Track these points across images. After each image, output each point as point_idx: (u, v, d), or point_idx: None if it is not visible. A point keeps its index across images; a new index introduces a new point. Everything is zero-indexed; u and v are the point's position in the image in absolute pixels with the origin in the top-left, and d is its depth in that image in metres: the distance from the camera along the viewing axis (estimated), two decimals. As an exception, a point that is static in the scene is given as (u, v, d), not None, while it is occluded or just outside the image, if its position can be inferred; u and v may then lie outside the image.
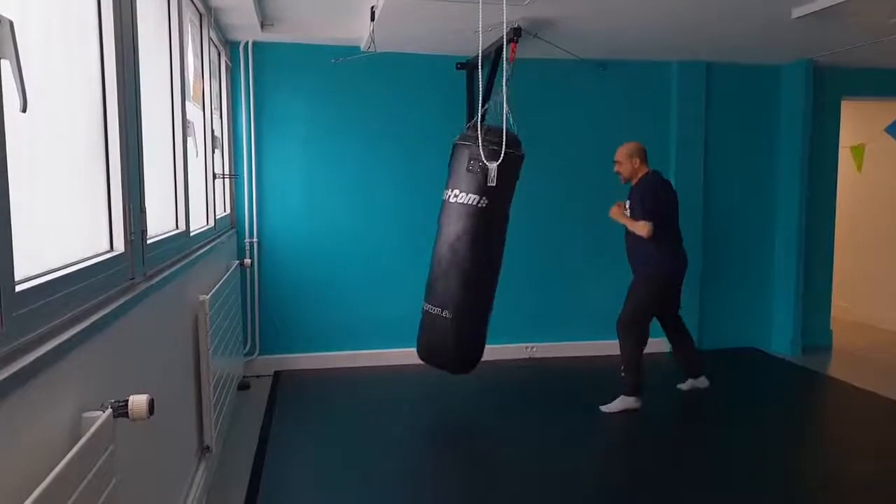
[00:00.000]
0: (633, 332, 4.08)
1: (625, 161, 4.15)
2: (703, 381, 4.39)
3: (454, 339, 3.83)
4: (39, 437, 1.27)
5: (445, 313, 3.81)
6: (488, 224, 3.77)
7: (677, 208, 4.19)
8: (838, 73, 5.51)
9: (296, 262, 4.93)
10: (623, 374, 4.08)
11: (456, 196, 3.80)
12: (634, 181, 4.16)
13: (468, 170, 3.74)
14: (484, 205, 3.72)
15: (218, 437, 3.25)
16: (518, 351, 5.27)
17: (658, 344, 4.66)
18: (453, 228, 3.80)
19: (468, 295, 3.80)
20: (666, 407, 4.27)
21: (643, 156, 4.16)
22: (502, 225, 3.88)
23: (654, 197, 4.04)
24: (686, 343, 4.38)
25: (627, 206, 4.13)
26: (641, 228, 3.99)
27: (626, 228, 4.13)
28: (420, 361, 4.27)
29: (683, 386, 4.45)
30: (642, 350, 4.09)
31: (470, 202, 3.74)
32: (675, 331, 4.37)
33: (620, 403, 4.06)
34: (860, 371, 4.96)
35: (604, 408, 4.08)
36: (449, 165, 3.90)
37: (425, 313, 3.94)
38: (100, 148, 1.90)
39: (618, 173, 4.21)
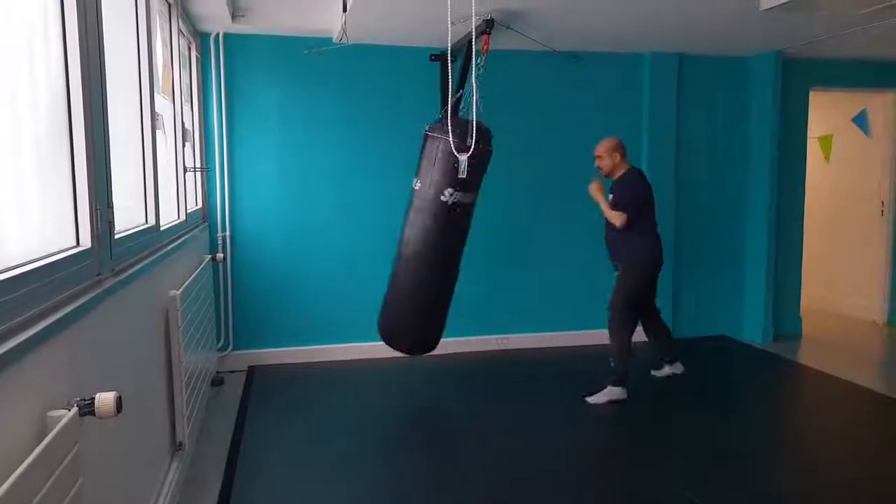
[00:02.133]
0: (624, 319, 4.15)
1: (606, 156, 4.20)
2: (678, 367, 4.48)
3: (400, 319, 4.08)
4: (2, 436, 1.25)
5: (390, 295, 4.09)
6: (449, 214, 3.84)
7: (654, 201, 4.26)
8: (806, 65, 5.59)
9: (269, 255, 4.88)
10: (613, 364, 4.13)
11: (419, 186, 3.89)
12: (615, 176, 4.23)
13: (436, 160, 3.77)
14: (450, 196, 3.79)
15: (191, 433, 3.21)
16: (490, 343, 5.27)
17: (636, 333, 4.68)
18: (414, 217, 3.93)
19: (422, 280, 3.97)
20: (639, 396, 4.31)
21: (623, 151, 4.22)
22: (464, 215, 3.93)
23: (636, 193, 4.14)
24: (662, 331, 4.47)
25: (610, 199, 4.18)
26: (617, 218, 4.07)
27: (608, 226, 4.20)
28: (394, 354, 4.31)
29: (659, 373, 4.53)
30: (631, 339, 4.17)
31: (433, 193, 3.81)
32: (652, 320, 4.44)
33: (608, 394, 4.10)
34: (830, 358, 5.06)
35: (590, 399, 4.11)
36: (419, 155, 3.93)
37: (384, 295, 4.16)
38: (64, 140, 1.86)
39: (598, 168, 4.26)
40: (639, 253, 4.17)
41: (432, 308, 4.08)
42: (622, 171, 4.21)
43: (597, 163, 4.26)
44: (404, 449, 3.56)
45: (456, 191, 3.77)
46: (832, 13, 4.05)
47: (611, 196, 4.19)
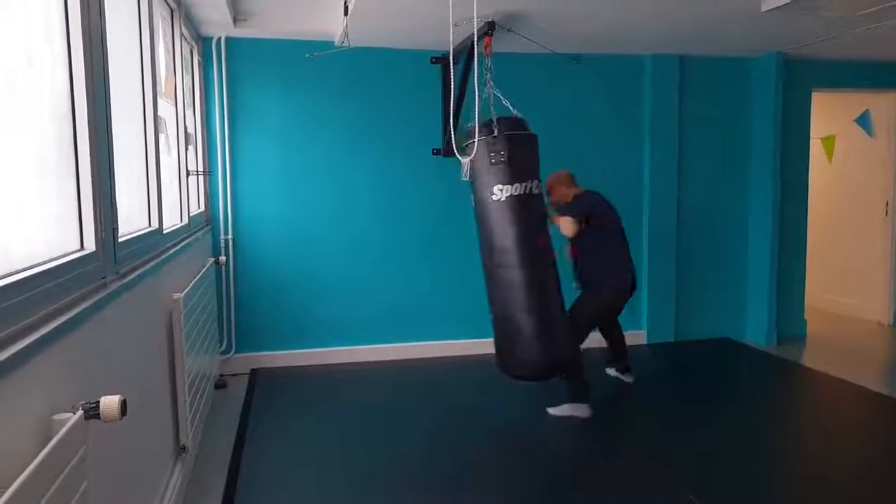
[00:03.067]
0: (576, 335, 3.92)
1: (556, 190, 4.11)
2: (629, 377, 4.48)
3: (513, 341, 3.67)
4: (8, 440, 1.25)
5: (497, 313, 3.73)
6: (522, 212, 3.62)
7: (620, 225, 4.12)
8: (808, 66, 5.58)
9: (272, 258, 4.89)
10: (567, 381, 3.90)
11: (493, 193, 3.64)
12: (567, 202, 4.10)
13: (491, 163, 3.59)
14: (501, 193, 3.59)
15: (194, 436, 3.22)
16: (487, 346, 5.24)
17: (638, 336, 4.69)
18: (489, 226, 3.68)
19: (517, 292, 3.62)
20: (642, 398, 4.31)
21: (570, 180, 4.14)
22: (532, 210, 3.68)
23: (583, 203, 4.01)
24: (618, 337, 4.47)
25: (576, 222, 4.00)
26: (566, 225, 3.92)
27: (573, 248, 4.10)
28: (395, 358, 4.25)
29: (610, 371, 4.58)
30: (581, 355, 3.93)
31: (508, 194, 3.60)
32: (611, 328, 4.45)
33: (570, 409, 3.89)
34: (834, 360, 5.04)
35: (552, 410, 3.93)
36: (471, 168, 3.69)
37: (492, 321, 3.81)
38: (69, 145, 1.87)
39: (552, 204, 4.10)
40: (600, 282, 4.04)
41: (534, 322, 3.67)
42: (573, 195, 4.09)
43: (549, 199, 4.10)
44: (407, 452, 3.56)
45: (504, 184, 3.59)
46: (834, 13, 4.05)
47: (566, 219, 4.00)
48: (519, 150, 3.62)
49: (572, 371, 3.85)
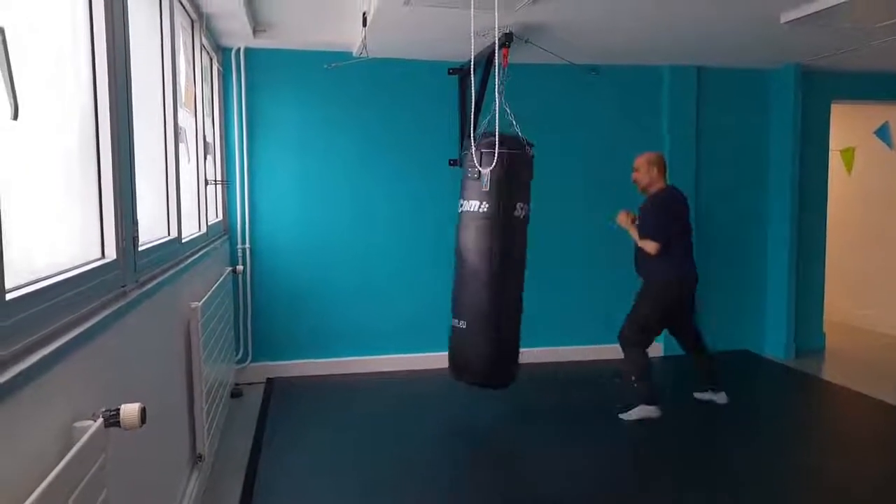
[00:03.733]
0: (635, 340, 4.01)
1: (642, 169, 4.10)
2: (722, 397, 4.30)
3: (472, 350, 3.75)
4: (30, 446, 1.26)
5: (461, 323, 3.77)
6: (493, 229, 3.69)
7: (689, 221, 4.12)
8: (827, 77, 5.54)
9: (288, 268, 4.91)
10: (636, 385, 3.99)
11: (462, 205, 3.79)
12: (650, 193, 4.10)
13: (469, 177, 3.72)
14: (484, 210, 3.67)
15: (210, 445, 3.22)
16: None
17: (655, 348, 4.62)
18: (463, 236, 3.79)
19: (482, 302, 3.71)
20: (667, 410, 4.26)
21: (662, 167, 4.11)
22: (513, 227, 3.74)
23: (666, 215, 4.00)
24: (701, 354, 4.28)
25: (638, 218, 4.07)
26: (650, 247, 3.96)
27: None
28: (411, 368, 4.25)
29: (701, 395, 4.37)
30: (647, 358, 4.02)
31: (473, 209, 3.71)
32: (691, 341, 4.27)
33: (640, 412, 3.97)
34: (854, 374, 4.98)
35: (623, 416, 4.00)
36: (471, 176, 3.79)
37: (451, 328, 3.89)
38: (91, 155, 1.89)
39: (635, 181, 4.15)
40: (658, 273, 4.01)
41: (517, 325, 3.86)
42: (656, 189, 4.07)
43: (633, 175, 4.15)
44: (423, 462, 3.55)
45: (525, 204, 3.72)
46: (853, 25, 4.02)
47: (638, 214, 4.07)
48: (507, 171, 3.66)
49: (636, 376, 3.96)
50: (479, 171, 3.60)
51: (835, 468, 3.46)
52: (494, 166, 3.46)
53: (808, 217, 5.60)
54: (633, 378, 4.01)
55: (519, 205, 3.70)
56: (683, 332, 4.26)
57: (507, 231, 3.70)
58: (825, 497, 3.12)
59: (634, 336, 4.03)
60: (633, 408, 4.00)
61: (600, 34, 4.29)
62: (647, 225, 4.01)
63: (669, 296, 4.04)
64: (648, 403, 3.98)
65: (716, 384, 4.32)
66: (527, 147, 3.69)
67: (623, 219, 4.11)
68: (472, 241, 3.73)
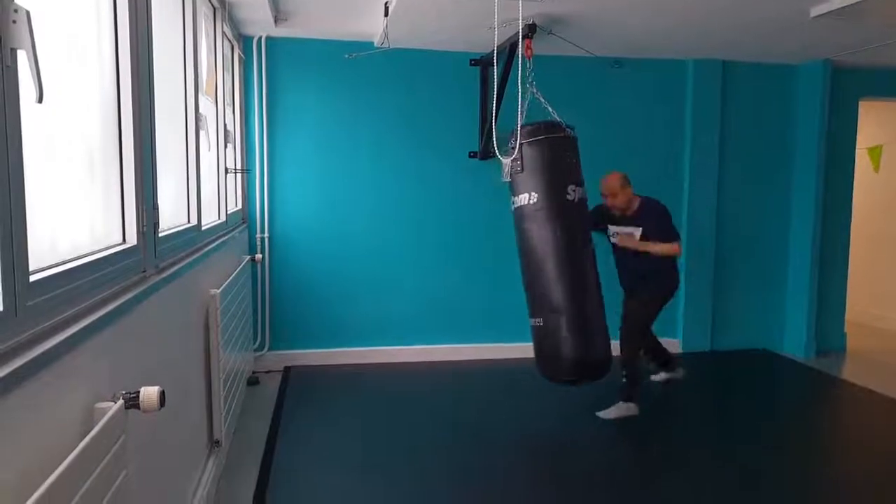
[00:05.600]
0: (637, 339, 4.05)
1: (620, 193, 3.94)
2: (679, 372, 4.41)
3: (551, 345, 3.59)
4: (52, 426, 1.27)
5: (538, 322, 3.63)
6: (547, 221, 3.56)
7: None
8: (856, 74, 5.45)
9: (306, 257, 4.93)
10: (624, 380, 3.96)
11: (513, 202, 3.69)
12: (632, 210, 3.99)
13: (515, 173, 3.61)
14: (534, 201, 3.56)
15: (227, 431, 3.25)
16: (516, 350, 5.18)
17: (673, 345, 4.60)
18: (522, 232, 3.67)
19: (557, 297, 3.55)
20: (678, 411, 4.24)
21: (630, 183, 4.00)
22: (571, 211, 3.60)
23: (669, 217, 4.00)
24: (653, 340, 4.36)
25: (638, 235, 3.96)
26: (675, 249, 3.94)
27: (623, 252, 4.02)
28: (427, 359, 4.25)
29: (659, 378, 4.48)
30: (641, 360, 4.11)
31: (524, 203, 3.61)
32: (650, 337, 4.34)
33: (617, 410, 3.94)
34: (875, 375, 4.90)
35: (601, 414, 3.95)
36: (519, 170, 3.68)
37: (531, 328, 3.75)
38: (114, 140, 1.90)
39: (613, 208, 3.99)
40: (666, 280, 4.04)
41: (595, 319, 3.65)
42: (638, 203, 3.99)
43: (610, 202, 3.97)
44: (436, 451, 3.55)
45: (578, 186, 3.61)
46: (882, 20, 3.94)
47: (637, 231, 3.95)
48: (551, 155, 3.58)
49: (630, 375, 3.95)
50: (522, 164, 3.54)
51: (852, 469, 3.42)
52: (532, 154, 3.41)
53: (831, 215, 5.51)
54: (624, 375, 3.96)
55: (570, 188, 3.57)
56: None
57: (564, 217, 3.56)
58: (843, 497, 3.08)
59: (638, 335, 4.05)
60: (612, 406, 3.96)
61: (623, 26, 4.25)
62: (664, 230, 3.95)
63: (670, 295, 4.09)
64: (628, 401, 3.95)
65: (669, 362, 4.41)
66: (567, 130, 3.59)
67: (629, 241, 3.95)
68: (533, 234, 3.58)
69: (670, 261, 4.02)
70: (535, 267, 3.62)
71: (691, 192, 5.33)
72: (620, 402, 3.95)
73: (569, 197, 3.57)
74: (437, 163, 5.00)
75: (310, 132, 4.87)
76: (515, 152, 3.37)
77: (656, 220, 3.96)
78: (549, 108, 3.69)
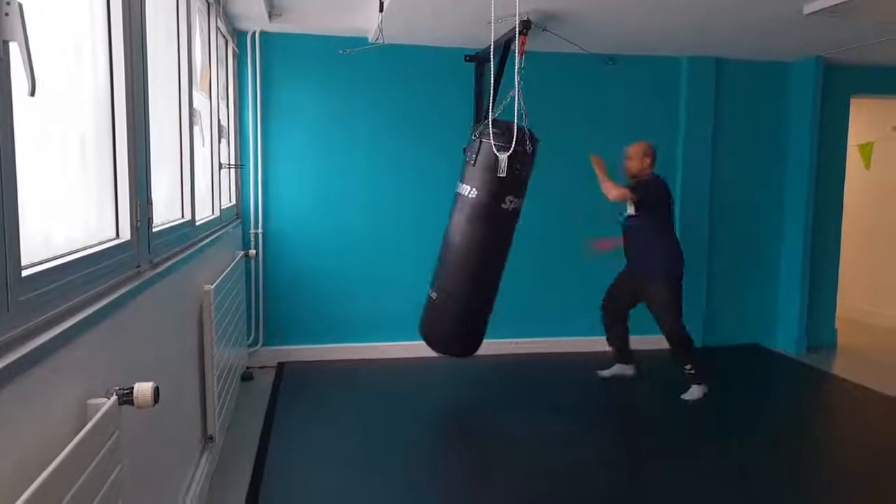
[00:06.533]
0: (683, 336, 4.18)
1: (636, 158, 4.24)
2: (630, 369, 4.52)
3: (435, 317, 3.97)
4: (45, 422, 1.27)
5: (433, 295, 3.94)
6: (477, 219, 3.76)
7: (673, 211, 4.35)
8: (848, 71, 5.46)
9: (300, 253, 4.92)
10: (692, 372, 4.19)
11: (459, 188, 3.85)
12: (639, 179, 4.23)
13: (467, 162, 3.77)
14: (473, 196, 3.73)
15: (221, 426, 3.25)
16: (502, 346, 5.15)
17: (657, 341, 4.59)
18: (454, 218, 3.88)
19: (461, 280, 3.86)
20: (671, 404, 4.25)
21: (654, 158, 4.25)
22: (494, 222, 3.79)
23: (658, 193, 4.17)
24: (624, 326, 4.49)
25: (631, 203, 4.18)
26: (614, 189, 4.07)
27: (630, 233, 4.23)
28: (421, 355, 4.28)
29: (605, 372, 4.57)
30: (693, 344, 4.24)
31: (464, 193, 3.78)
32: (623, 320, 4.47)
33: (699, 391, 4.19)
34: (866, 370, 4.93)
35: (685, 396, 4.19)
36: (470, 161, 3.82)
37: (427, 297, 4.05)
38: (107, 135, 1.89)
39: (625, 168, 4.29)
40: (668, 262, 4.18)
41: (481, 312, 4.00)
42: (647, 176, 4.23)
43: (625, 162, 4.28)
44: (430, 447, 3.56)
45: (516, 197, 3.73)
46: (875, 18, 3.96)
47: (631, 199, 4.16)
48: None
49: (691, 364, 4.18)
50: (476, 158, 3.64)
51: (843, 464, 3.45)
52: (488, 153, 3.52)
53: (823, 211, 5.54)
54: (687, 367, 4.20)
55: (509, 198, 3.71)
56: (629, 304, 4.39)
57: (494, 222, 3.76)
58: (834, 492, 3.10)
59: (678, 325, 4.17)
60: (688, 389, 4.21)
61: (618, 24, 4.25)
62: (641, 198, 4.12)
63: (675, 273, 4.20)
64: (701, 383, 4.20)
65: (628, 359, 4.52)
66: (528, 143, 3.63)
67: (595, 160, 4.22)
68: (462, 224, 3.81)
69: (666, 242, 4.18)
70: (450, 249, 3.89)
71: (684, 187, 5.34)
72: (694, 387, 4.19)
73: (504, 206, 3.71)
74: (432, 157, 4.99)
75: (304, 128, 4.86)
76: (476, 144, 3.42)
77: (644, 187, 4.16)
78: (524, 112, 3.66)
